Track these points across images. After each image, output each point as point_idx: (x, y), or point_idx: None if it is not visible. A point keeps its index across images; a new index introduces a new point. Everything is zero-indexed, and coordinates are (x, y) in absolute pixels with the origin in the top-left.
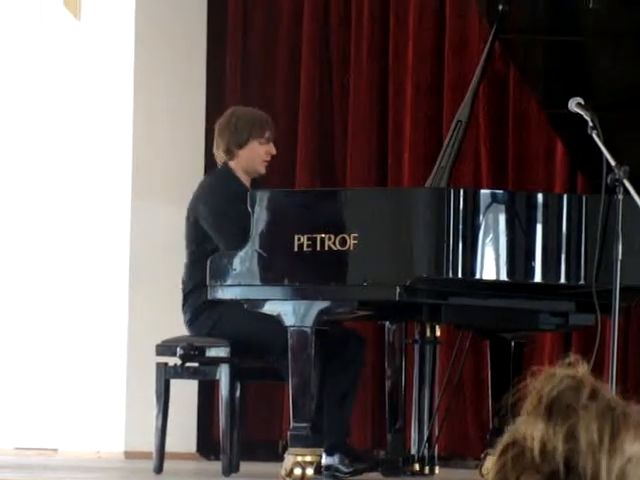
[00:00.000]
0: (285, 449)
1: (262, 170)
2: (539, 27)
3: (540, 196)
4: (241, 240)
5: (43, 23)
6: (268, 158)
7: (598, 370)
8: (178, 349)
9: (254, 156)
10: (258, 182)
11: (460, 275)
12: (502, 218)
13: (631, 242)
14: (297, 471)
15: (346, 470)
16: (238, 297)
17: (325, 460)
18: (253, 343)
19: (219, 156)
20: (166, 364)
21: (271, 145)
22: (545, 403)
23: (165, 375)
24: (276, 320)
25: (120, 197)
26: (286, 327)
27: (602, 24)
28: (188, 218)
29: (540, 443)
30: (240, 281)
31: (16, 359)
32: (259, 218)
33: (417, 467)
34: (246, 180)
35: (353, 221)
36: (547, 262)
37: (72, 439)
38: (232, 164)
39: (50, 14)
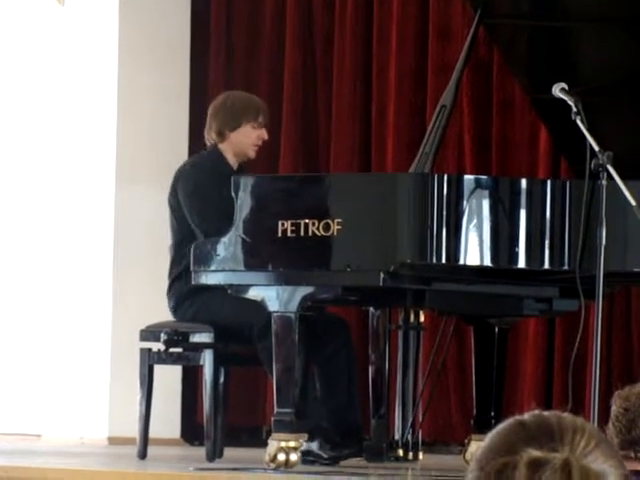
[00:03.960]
0: (269, 435)
1: (252, 154)
2: (523, 12)
3: (524, 182)
4: (219, 226)
5: (26, 8)
6: (259, 143)
7: (582, 356)
8: (162, 335)
9: (245, 139)
10: (243, 167)
11: (444, 261)
12: (486, 204)
13: (615, 228)
14: (281, 457)
15: (326, 456)
16: (222, 283)
17: (305, 445)
18: (234, 328)
19: (210, 138)
20: (150, 350)
21: (263, 130)
22: None
23: (149, 361)
24: (256, 303)
25: (104, 182)
26: (268, 311)
27: (586, 9)
28: (170, 202)
29: None
30: (224, 267)
31: None
32: (243, 204)
33: (401, 453)
34: (234, 164)
35: (337, 206)
36: (531, 248)
37: (56, 425)
38: (222, 146)
39: None
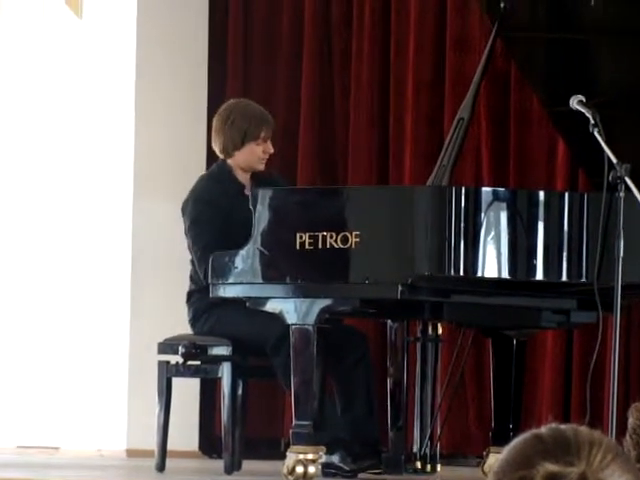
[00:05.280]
0: (287, 447)
1: (260, 168)
2: (541, 25)
3: (542, 194)
4: (210, 249)
5: (45, 21)
6: (266, 157)
7: (600, 369)
8: (180, 347)
9: (251, 157)
10: (259, 177)
11: (462, 273)
12: (504, 216)
13: (632, 240)
14: (299, 469)
15: (347, 468)
16: (240, 295)
17: (325, 458)
18: (250, 341)
19: (217, 152)
20: (168, 362)
21: (268, 144)
22: None
23: (167, 373)
24: (272, 316)
25: (122, 195)
26: (285, 325)
27: (603, 21)
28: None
29: None
30: (242, 279)
31: (18, 357)
32: (261, 216)
33: (419, 465)
34: (244, 176)
35: (355, 219)
36: (549, 260)
37: (74, 437)
38: (230, 161)
39: (52, 12)
